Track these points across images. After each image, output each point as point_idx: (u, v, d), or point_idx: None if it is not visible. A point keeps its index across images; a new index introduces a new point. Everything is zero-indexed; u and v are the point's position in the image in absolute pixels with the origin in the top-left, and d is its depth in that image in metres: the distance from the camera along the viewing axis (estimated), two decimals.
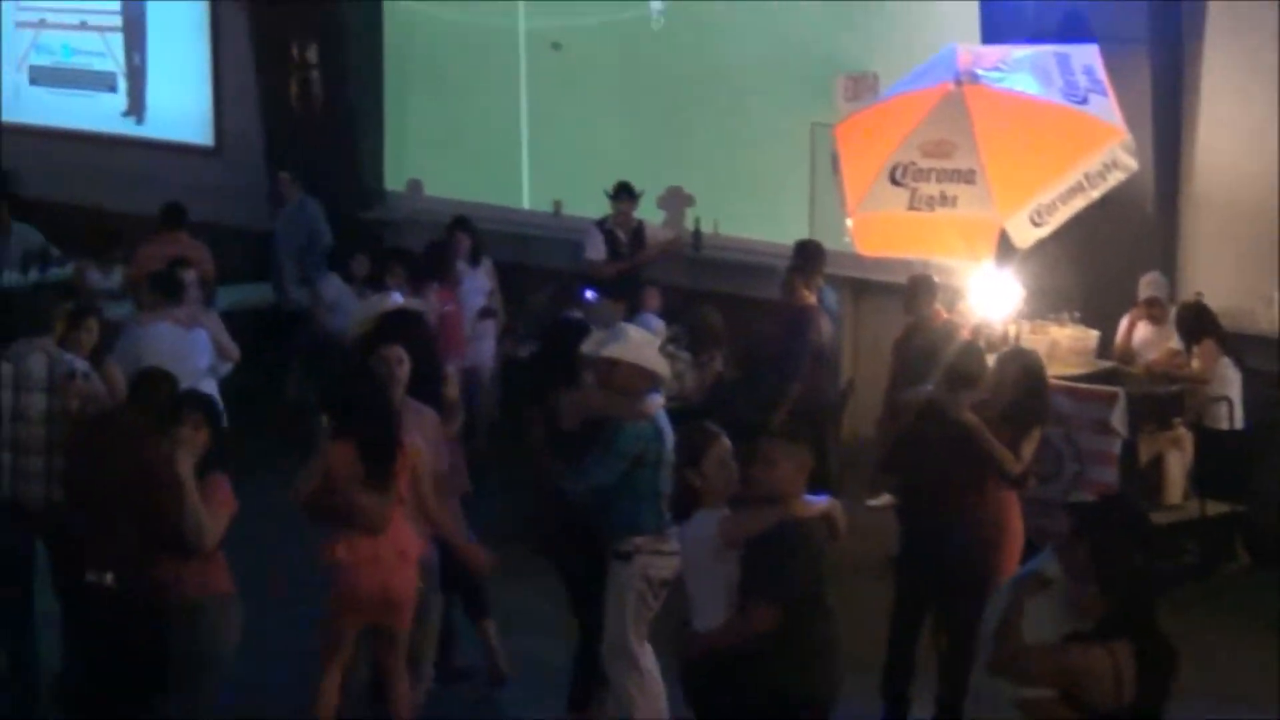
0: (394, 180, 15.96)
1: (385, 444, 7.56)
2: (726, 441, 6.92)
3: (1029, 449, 8.22)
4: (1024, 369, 8.47)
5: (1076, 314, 11.22)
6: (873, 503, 11.13)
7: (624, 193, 13.11)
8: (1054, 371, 9.80)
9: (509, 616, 9.28)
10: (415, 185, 15.79)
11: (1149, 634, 5.55)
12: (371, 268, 12.95)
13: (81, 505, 8.01)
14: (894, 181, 10.41)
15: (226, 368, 10.60)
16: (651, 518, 7.68)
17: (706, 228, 13.70)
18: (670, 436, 7.89)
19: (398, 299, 9.73)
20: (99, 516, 7.79)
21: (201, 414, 7.49)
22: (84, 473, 8.04)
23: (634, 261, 13.06)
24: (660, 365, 8.10)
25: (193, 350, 10.17)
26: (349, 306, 13.08)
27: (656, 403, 7.98)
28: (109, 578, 7.85)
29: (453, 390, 9.02)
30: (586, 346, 8.14)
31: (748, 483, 6.67)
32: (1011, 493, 8.23)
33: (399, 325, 8.85)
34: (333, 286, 13.27)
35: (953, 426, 8.11)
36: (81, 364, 8.77)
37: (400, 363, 7.99)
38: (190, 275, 10.61)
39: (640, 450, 7.79)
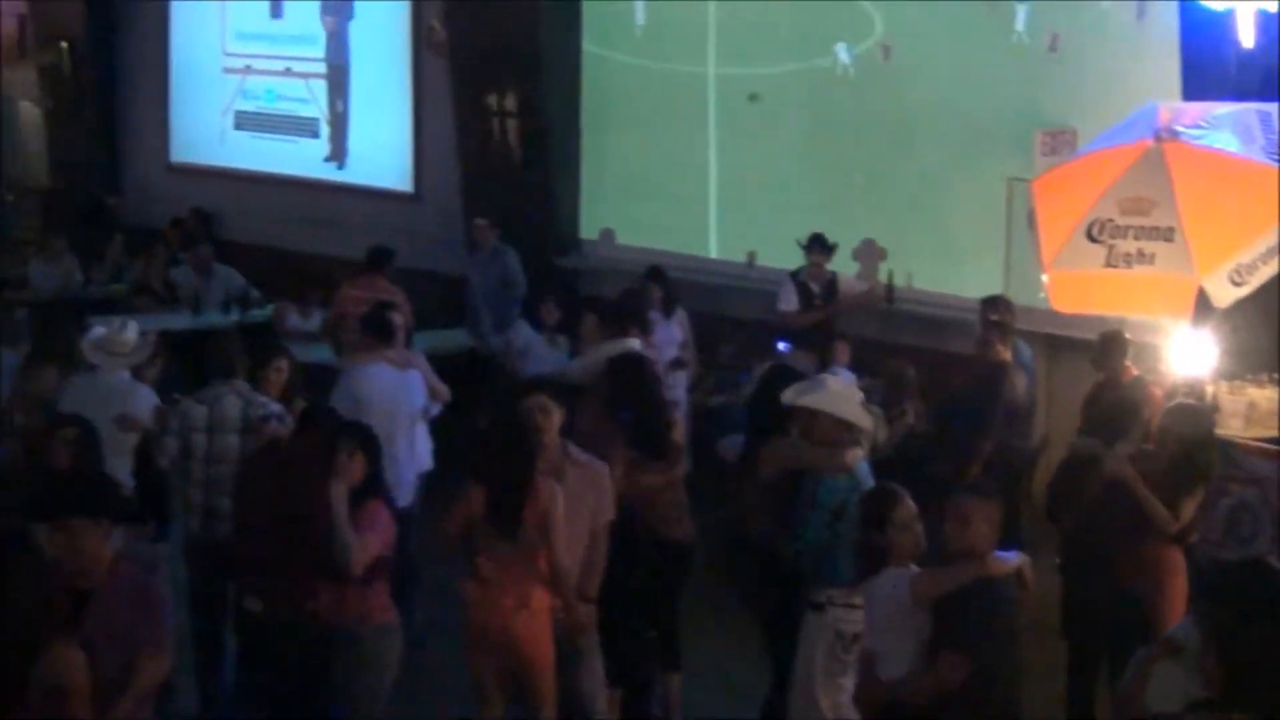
0: (588, 229, 16.19)
1: (510, 491, 7.59)
2: (911, 503, 6.98)
3: (1190, 506, 8.19)
4: (1188, 424, 8.43)
5: (1276, 375, 11.11)
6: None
7: (817, 244, 13.20)
8: (1252, 433, 9.74)
9: (692, 669, 9.37)
10: (608, 234, 16.02)
11: (1271, 707, 5.28)
12: (562, 315, 13.20)
13: (243, 533, 8.31)
14: (1091, 238, 10.38)
15: (436, 408, 10.75)
16: (847, 571, 7.70)
17: (900, 281, 13.74)
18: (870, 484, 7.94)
19: (634, 344, 9.88)
20: (259, 544, 8.11)
21: (357, 443, 7.72)
22: (247, 501, 8.36)
23: (826, 313, 13.15)
24: (860, 416, 8.13)
25: (409, 391, 10.34)
26: (539, 353, 13.39)
27: (855, 455, 8.01)
28: (258, 604, 8.18)
29: (678, 434, 9.11)
30: (786, 395, 8.21)
31: (941, 539, 6.75)
32: (1174, 551, 8.18)
33: (627, 369, 9.03)
34: (523, 334, 13.54)
35: (1108, 479, 8.11)
36: (276, 407, 9.11)
37: (544, 412, 7.90)
38: (399, 318, 10.76)
39: (840, 503, 7.81)
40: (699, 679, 9.43)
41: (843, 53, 14.21)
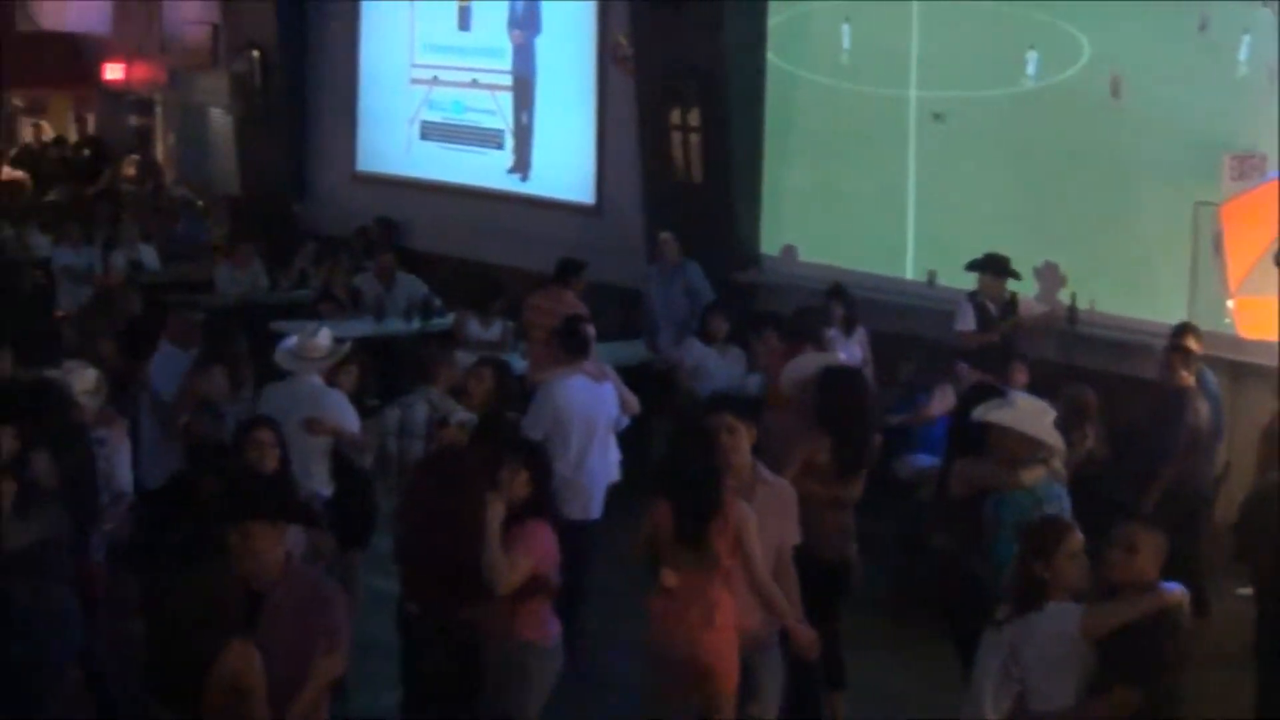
0: (769, 245, 16.31)
1: (697, 508, 7.58)
2: (1079, 535, 6.93)
3: None
4: None
5: None
6: (1243, 591, 11.03)
7: (989, 266, 13.18)
8: None
9: (860, 689, 9.44)
10: (789, 250, 16.12)
11: None
12: (731, 328, 13.34)
13: (406, 536, 8.50)
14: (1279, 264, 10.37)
15: (625, 421, 10.85)
16: None
17: (1082, 303, 13.70)
18: (1064, 506, 7.95)
19: (842, 356, 9.94)
20: (418, 549, 8.30)
21: (522, 460, 7.75)
22: (411, 505, 8.53)
23: (1003, 333, 13.15)
24: (1049, 434, 8.11)
25: (604, 403, 10.44)
26: (712, 369, 13.50)
27: (1034, 474, 8.00)
28: (416, 607, 8.38)
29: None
30: (977, 411, 8.25)
31: (1105, 566, 6.75)
32: None
33: (841, 382, 9.15)
34: (694, 351, 13.66)
35: None
36: (465, 415, 9.31)
37: (731, 431, 7.90)
38: (592, 330, 10.85)
39: (1019, 520, 7.74)
40: (863, 697, 9.52)
41: (1031, 64, 14.20)
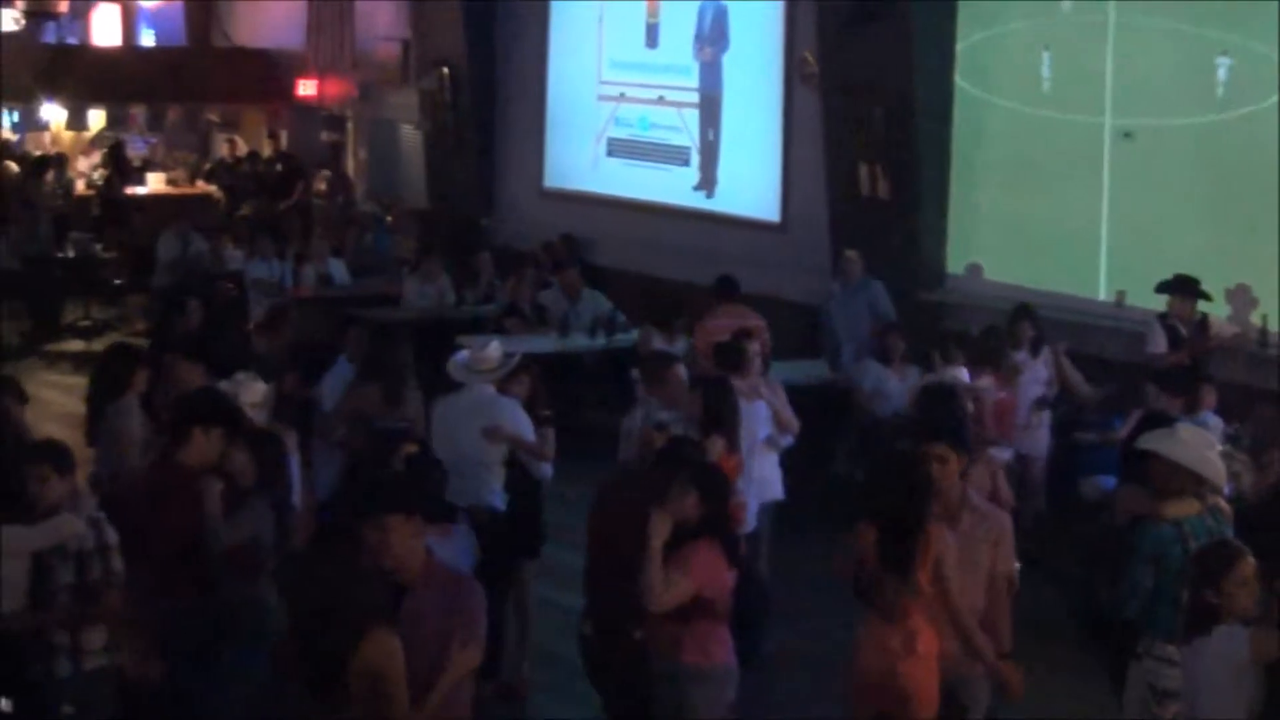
0: (955, 267, 16.34)
1: (901, 534, 7.52)
2: (1251, 560, 6.87)
3: None
4: None
5: None
6: None
7: (1179, 288, 13.12)
8: None
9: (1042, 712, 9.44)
10: (975, 269, 16.13)
11: None
12: (911, 348, 13.42)
13: (589, 556, 8.60)
14: None
15: (787, 440, 10.94)
16: (1163, 623, 7.61)
17: (1274, 325, 13.57)
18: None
19: (962, 375, 10.01)
20: (597, 570, 8.39)
21: (692, 480, 7.73)
22: (594, 519, 8.57)
23: (1193, 354, 13.08)
24: (1207, 468, 7.95)
25: (752, 421, 10.48)
26: (890, 390, 13.56)
27: (1186, 508, 7.87)
28: (588, 629, 8.49)
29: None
30: (1140, 440, 8.21)
31: (1271, 593, 6.73)
32: None
33: (938, 399, 9.24)
34: (871, 373, 13.72)
35: None
36: (669, 418, 9.51)
37: (942, 460, 7.81)
38: (755, 348, 10.97)
39: (1159, 553, 7.74)
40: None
41: (1224, 86, 14.10)
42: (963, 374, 12.34)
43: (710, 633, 7.72)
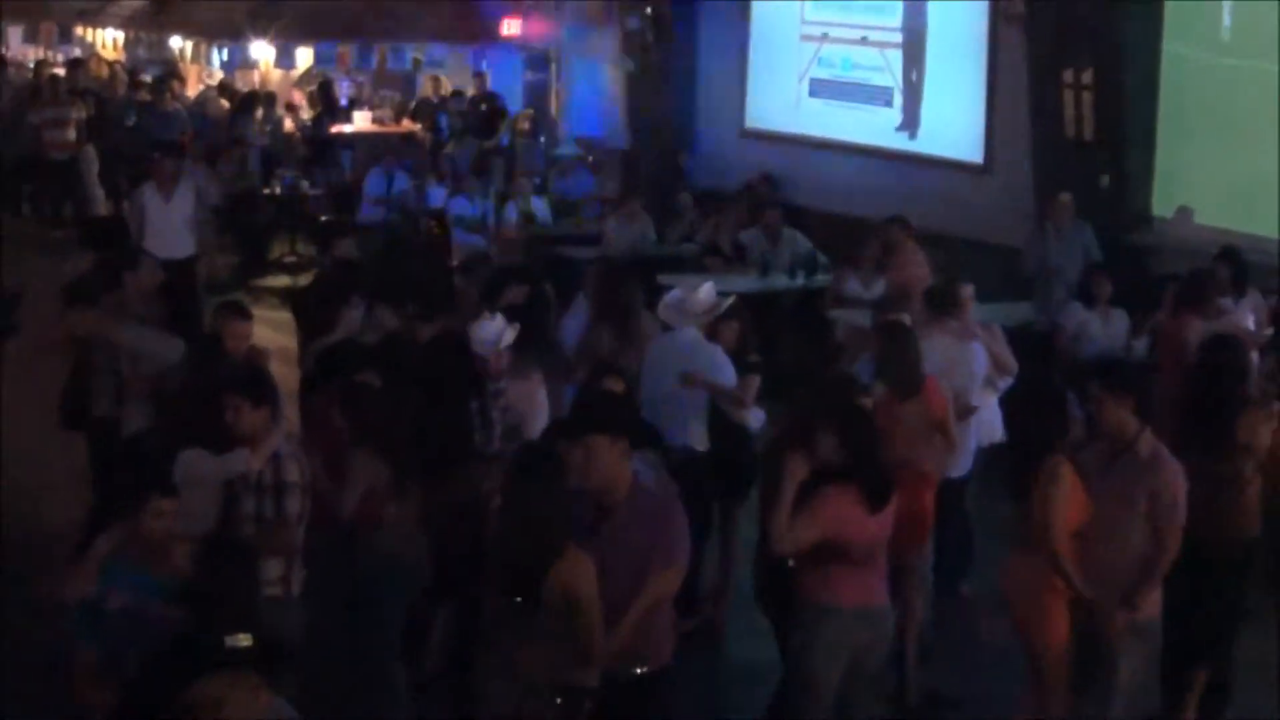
0: (1163, 207, 16.18)
1: (1022, 457, 7.89)
2: None
3: None
4: None
5: None
6: None
7: None
8: None
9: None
10: (1184, 213, 15.95)
11: None
12: (1116, 292, 13.35)
13: (761, 492, 8.68)
14: None
15: (1006, 382, 10.96)
16: None
17: None
18: None
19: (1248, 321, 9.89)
20: (763, 503, 8.43)
21: (835, 423, 7.76)
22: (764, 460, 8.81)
23: None
24: None
25: (966, 363, 10.56)
26: (1093, 332, 13.51)
27: None
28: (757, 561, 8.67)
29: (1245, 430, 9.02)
30: None
31: None
32: None
33: (1220, 349, 9.26)
34: (1076, 315, 13.66)
35: None
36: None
37: (1098, 402, 8.01)
38: (969, 290, 10.96)
39: None
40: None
41: None
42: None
43: (843, 576, 7.73)
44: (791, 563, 7.88)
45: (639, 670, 7.08)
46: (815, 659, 7.78)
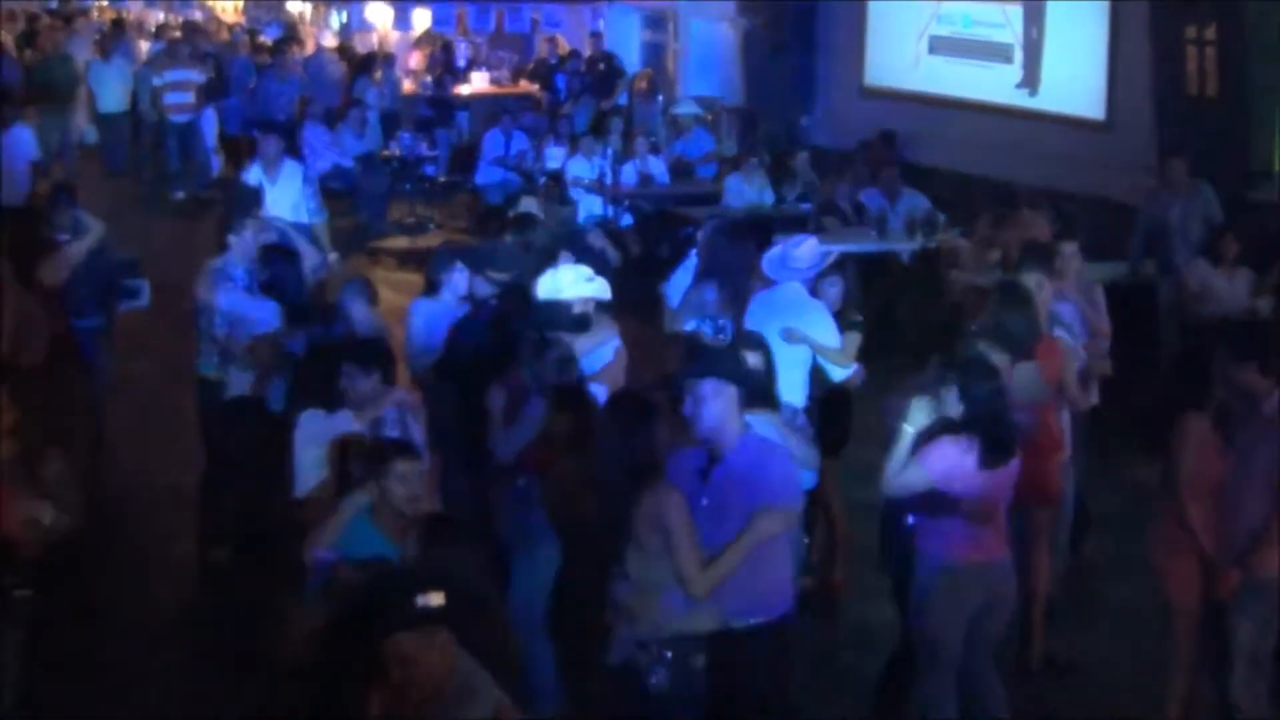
0: None
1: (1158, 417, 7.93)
2: None
3: None
4: None
5: None
6: None
7: None
8: None
9: None
10: None
11: None
12: (1241, 249, 13.23)
13: None
14: None
15: (1100, 345, 10.82)
16: None
17: None
18: None
19: None
20: None
21: (955, 379, 7.89)
22: None
23: None
24: None
25: (1059, 322, 10.42)
26: (1218, 290, 13.39)
27: None
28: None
29: None
30: None
31: None
32: None
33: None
34: (1199, 272, 13.54)
35: None
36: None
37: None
38: (1071, 249, 10.87)
39: None
40: None
41: None
42: None
43: (958, 531, 7.81)
44: (912, 519, 7.97)
45: (753, 621, 7.19)
46: (933, 616, 7.88)
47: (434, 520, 7.31)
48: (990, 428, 7.76)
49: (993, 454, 7.74)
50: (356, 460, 7.94)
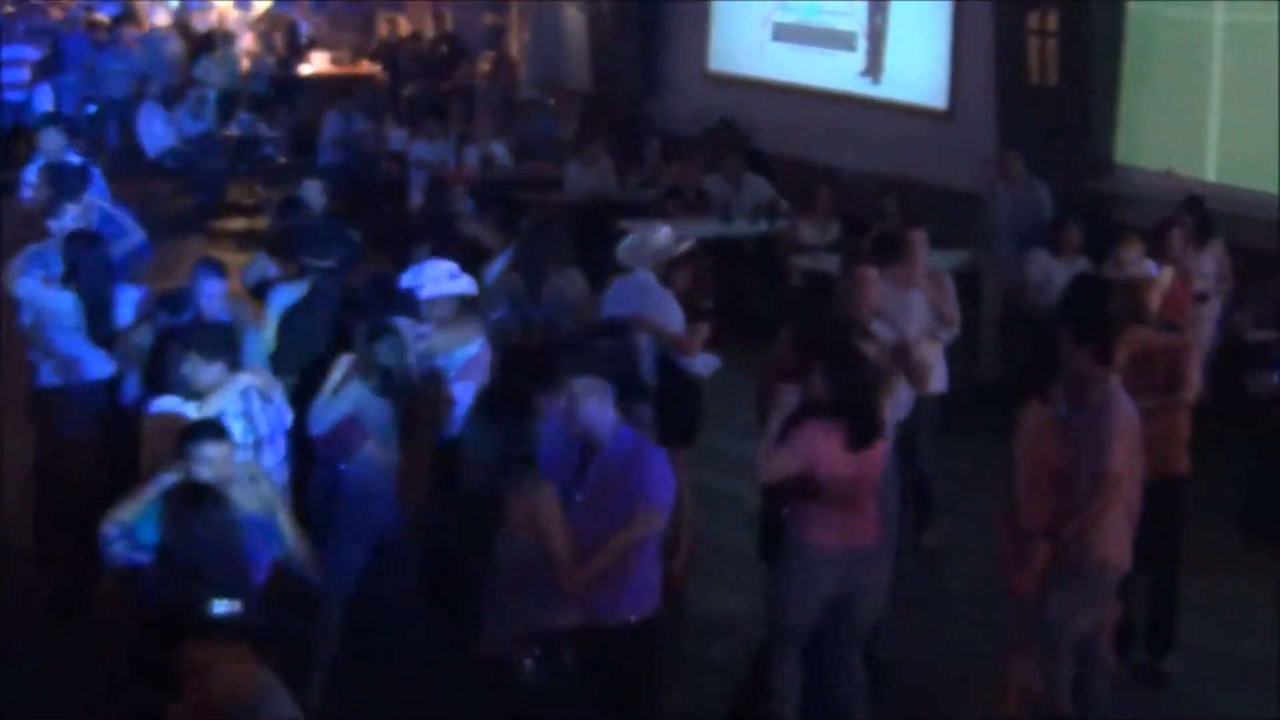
0: (1131, 156, 16.12)
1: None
2: None
3: None
4: None
5: None
6: None
7: None
8: None
9: (1205, 608, 9.59)
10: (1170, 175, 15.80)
11: None
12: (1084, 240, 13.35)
13: None
14: None
15: (950, 332, 10.79)
16: None
17: None
18: None
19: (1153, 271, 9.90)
20: None
21: (824, 362, 7.87)
22: None
23: None
24: None
25: (907, 310, 10.41)
26: (1058, 281, 13.47)
27: None
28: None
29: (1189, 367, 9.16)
30: None
31: None
32: None
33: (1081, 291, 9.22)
34: (1041, 263, 13.63)
35: None
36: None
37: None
38: (918, 236, 10.80)
39: None
40: (1209, 617, 9.58)
41: None
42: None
43: (822, 516, 7.81)
44: (786, 511, 7.94)
45: (623, 618, 7.11)
46: (784, 599, 7.91)
47: (184, 490, 7.04)
48: (856, 410, 7.77)
49: (859, 436, 7.74)
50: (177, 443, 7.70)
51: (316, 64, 26.49)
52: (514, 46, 26.19)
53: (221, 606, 5.22)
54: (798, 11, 20.08)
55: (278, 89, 24.39)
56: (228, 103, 22.98)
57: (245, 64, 25.81)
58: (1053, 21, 15.97)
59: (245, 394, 8.31)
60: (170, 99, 21.84)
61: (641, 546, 7.08)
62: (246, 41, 27.36)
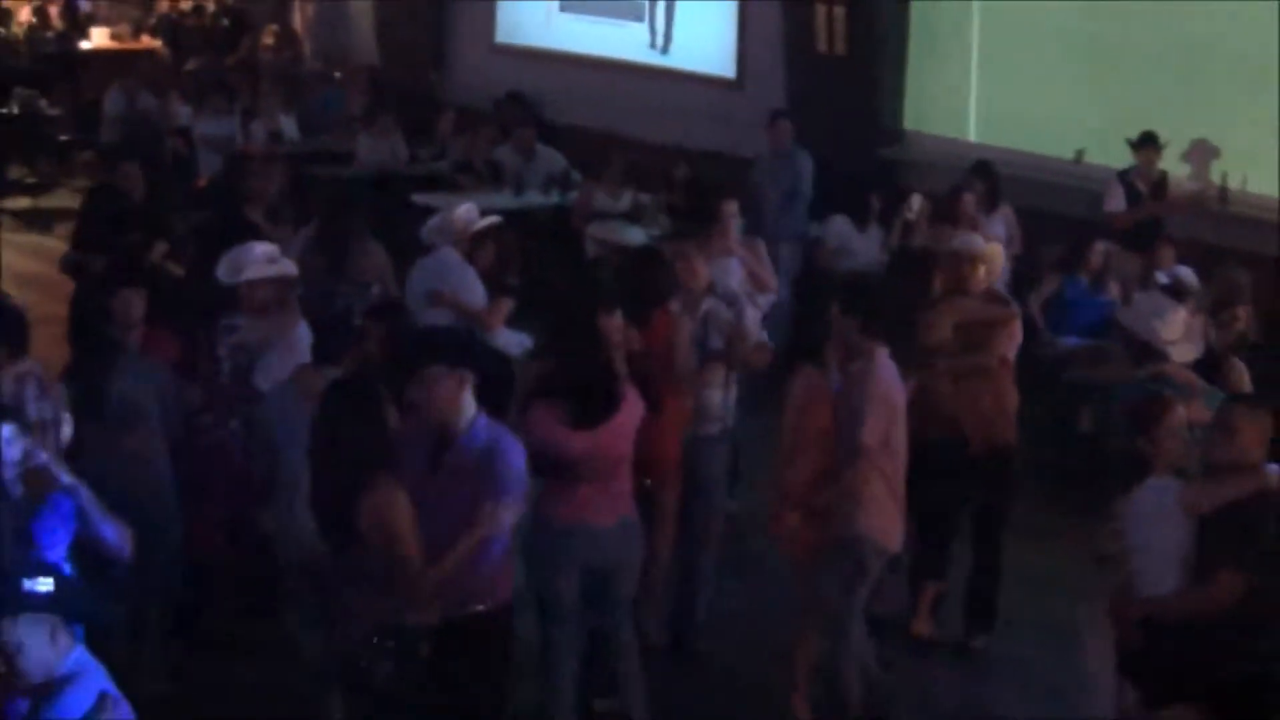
0: (923, 123, 16.24)
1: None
2: (1182, 410, 7.06)
3: None
4: None
5: None
6: None
7: (1148, 142, 13.16)
8: None
9: (1006, 573, 9.63)
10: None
11: None
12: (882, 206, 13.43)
13: None
14: None
15: (768, 299, 10.65)
16: None
17: (1234, 183, 13.56)
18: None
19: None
20: None
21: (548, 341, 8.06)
22: None
23: (1151, 212, 13.12)
24: (1152, 333, 8.36)
25: (725, 277, 10.21)
26: (855, 247, 13.56)
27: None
28: None
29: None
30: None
31: (1206, 445, 6.82)
32: None
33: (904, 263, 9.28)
34: (838, 229, 13.68)
35: None
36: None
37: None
38: (732, 207, 10.60)
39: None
40: (1010, 582, 9.67)
41: None
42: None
43: (560, 492, 7.71)
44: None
45: (478, 608, 6.92)
46: (538, 575, 7.78)
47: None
48: (581, 387, 7.66)
49: (587, 413, 7.62)
50: None
51: (96, 39, 25.85)
52: (298, 19, 25.76)
53: (34, 584, 5.12)
54: None
55: (56, 65, 23.77)
56: (5, 79, 22.36)
57: (22, 39, 25.14)
58: None
59: (21, 379, 8.00)
60: None
61: (492, 536, 6.86)
62: (23, 15, 26.61)
